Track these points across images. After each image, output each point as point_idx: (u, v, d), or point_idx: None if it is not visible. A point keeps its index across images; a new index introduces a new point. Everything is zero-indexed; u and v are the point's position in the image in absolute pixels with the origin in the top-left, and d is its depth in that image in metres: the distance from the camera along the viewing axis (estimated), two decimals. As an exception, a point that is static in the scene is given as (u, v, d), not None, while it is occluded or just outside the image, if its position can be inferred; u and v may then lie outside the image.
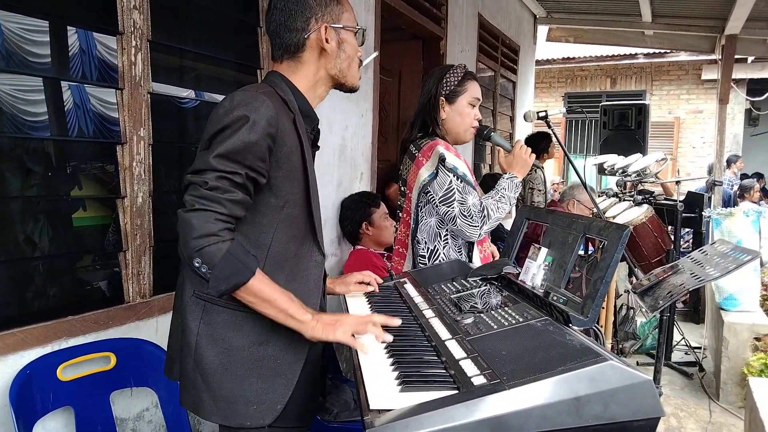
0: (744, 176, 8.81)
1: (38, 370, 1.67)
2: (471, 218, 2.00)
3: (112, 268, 2.02)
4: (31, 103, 1.85)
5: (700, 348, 4.37)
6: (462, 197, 2.00)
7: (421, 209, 2.12)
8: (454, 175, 2.01)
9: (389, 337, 1.25)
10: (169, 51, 2.21)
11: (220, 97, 2.42)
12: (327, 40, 1.40)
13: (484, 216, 2.01)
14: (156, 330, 2.04)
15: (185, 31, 2.34)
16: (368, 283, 1.75)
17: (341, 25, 1.42)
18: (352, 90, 1.51)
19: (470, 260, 2.13)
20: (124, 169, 1.95)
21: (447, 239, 2.10)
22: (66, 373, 1.74)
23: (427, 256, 2.11)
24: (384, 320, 1.29)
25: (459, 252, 2.11)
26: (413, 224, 2.14)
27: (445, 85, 2.14)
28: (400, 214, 2.23)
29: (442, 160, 2.01)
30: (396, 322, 1.30)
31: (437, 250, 2.10)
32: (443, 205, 2.02)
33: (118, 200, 1.95)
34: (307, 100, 1.44)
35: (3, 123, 1.78)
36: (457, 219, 2.00)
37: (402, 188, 2.21)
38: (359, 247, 3.16)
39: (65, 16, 1.94)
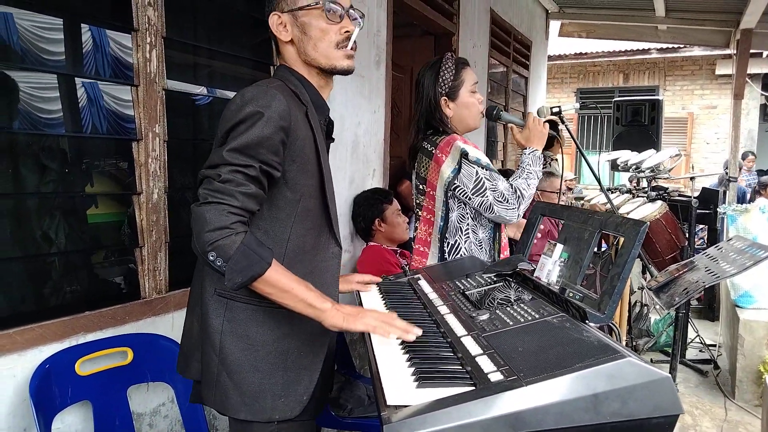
0: (760, 172, 8.72)
1: (57, 365, 1.69)
2: (507, 202, 1.99)
3: (128, 264, 2.04)
4: (45, 101, 1.87)
5: (714, 345, 4.34)
6: (493, 184, 1.99)
7: (450, 205, 2.10)
8: (478, 166, 2.01)
9: (411, 337, 1.21)
10: (183, 48, 2.22)
11: (232, 94, 2.44)
12: (285, 27, 1.38)
13: (518, 197, 2.01)
14: (172, 325, 2.06)
15: (199, 27, 2.35)
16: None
17: (296, 7, 1.36)
18: (333, 72, 1.42)
19: (493, 252, 2.13)
20: (140, 165, 1.96)
21: (468, 233, 2.09)
22: (84, 367, 1.76)
23: (447, 251, 2.11)
24: (406, 326, 1.23)
25: (480, 246, 2.10)
26: (441, 222, 2.11)
27: (442, 84, 2.11)
28: (420, 212, 2.20)
29: (464, 155, 2.01)
30: (418, 332, 1.22)
31: (458, 244, 2.09)
32: (476, 196, 2.00)
33: (134, 196, 1.97)
34: (316, 90, 1.43)
35: (19, 120, 1.79)
36: (494, 206, 1.99)
37: (421, 186, 2.17)
38: (372, 243, 3.16)
39: (79, 14, 1.95)
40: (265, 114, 1.23)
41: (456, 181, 2.03)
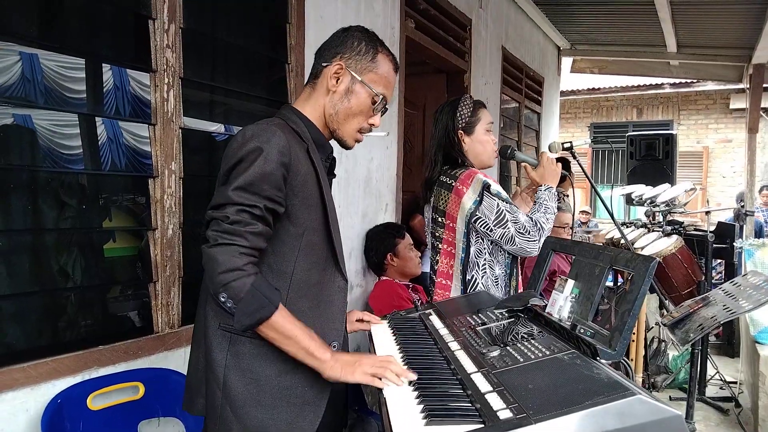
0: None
1: (69, 400, 1.69)
2: (528, 234, 2.03)
3: (142, 298, 2.06)
4: (67, 138, 1.92)
5: (735, 383, 4.23)
6: (514, 216, 2.03)
7: (470, 238, 2.11)
8: (499, 199, 2.04)
9: (404, 384, 1.23)
10: (199, 87, 2.28)
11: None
12: (337, 79, 1.42)
13: (539, 229, 2.04)
14: (184, 360, 2.06)
15: (215, 67, 2.41)
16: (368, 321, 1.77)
17: (360, 78, 1.42)
18: (341, 143, 1.50)
19: (509, 289, 2.13)
20: (156, 201, 2.00)
21: (485, 269, 2.10)
22: (96, 402, 1.76)
23: (468, 284, 2.12)
24: (401, 371, 1.26)
25: (496, 282, 2.11)
26: (463, 254, 2.13)
27: (459, 118, 2.18)
28: (440, 245, 2.21)
29: (487, 187, 2.04)
30: (413, 377, 1.25)
31: (476, 279, 2.10)
32: (498, 227, 2.03)
33: (149, 232, 2.00)
34: (319, 130, 1.46)
35: (40, 157, 1.84)
36: (515, 238, 2.02)
37: (440, 219, 2.19)
38: (384, 278, 3.16)
39: (101, 55, 2.02)
40: (264, 150, 1.27)
41: (477, 213, 2.05)
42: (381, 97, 1.45)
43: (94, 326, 1.96)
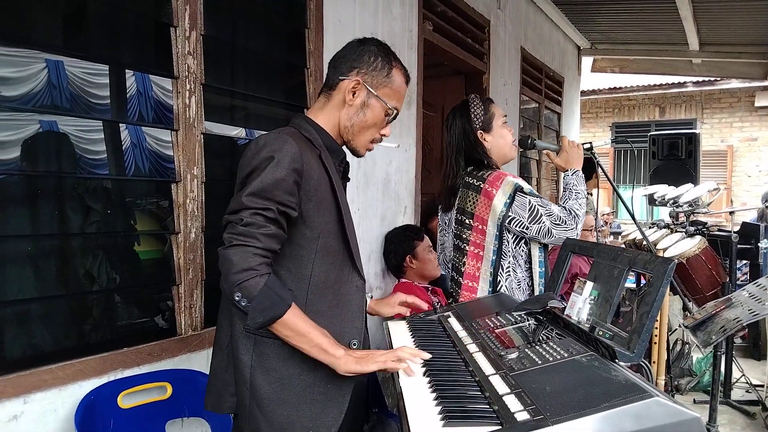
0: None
1: (101, 397, 1.74)
2: (564, 223, 2.04)
3: (166, 301, 2.09)
4: (91, 143, 1.96)
5: (762, 386, 4.16)
6: (547, 210, 2.05)
7: (503, 240, 2.13)
8: (532, 196, 2.07)
9: (419, 361, 1.32)
10: (220, 93, 2.31)
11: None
12: (354, 93, 1.47)
13: (574, 216, 2.06)
14: (207, 362, 2.08)
15: (235, 73, 2.45)
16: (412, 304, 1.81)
17: (375, 93, 1.48)
18: (353, 152, 1.56)
19: (533, 291, 2.15)
20: (179, 206, 2.03)
21: (509, 272, 2.11)
22: (125, 401, 1.80)
23: (493, 289, 2.14)
24: (414, 352, 1.34)
25: (519, 285, 2.12)
26: (494, 256, 2.13)
27: (474, 119, 2.21)
28: (466, 247, 2.19)
29: (519, 188, 2.07)
30: (425, 356, 1.34)
31: (499, 282, 2.12)
32: (533, 224, 2.05)
33: (172, 236, 2.03)
34: (331, 137, 1.51)
35: (66, 163, 1.88)
36: (552, 230, 2.03)
37: (467, 221, 2.18)
38: (404, 280, 3.17)
39: (124, 61, 2.05)
40: (276, 157, 1.32)
41: (510, 213, 2.07)
42: (394, 110, 1.52)
43: (119, 328, 2.00)
